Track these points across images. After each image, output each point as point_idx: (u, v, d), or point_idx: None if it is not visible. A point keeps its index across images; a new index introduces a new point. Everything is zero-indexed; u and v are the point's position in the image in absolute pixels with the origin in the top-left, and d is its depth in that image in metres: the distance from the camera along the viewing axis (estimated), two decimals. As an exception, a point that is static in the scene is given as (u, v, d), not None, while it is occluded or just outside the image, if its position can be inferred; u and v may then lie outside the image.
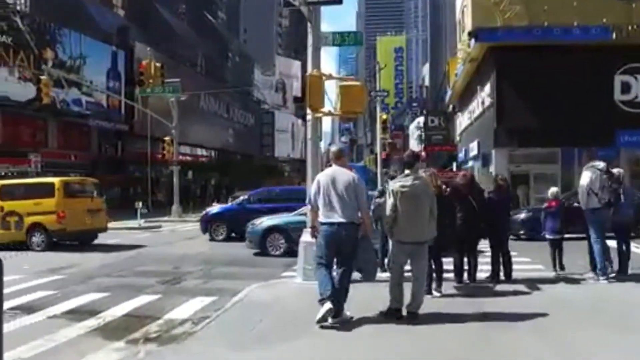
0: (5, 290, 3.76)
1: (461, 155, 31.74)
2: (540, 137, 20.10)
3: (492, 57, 20.99)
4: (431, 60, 75.69)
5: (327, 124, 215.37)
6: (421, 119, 55.80)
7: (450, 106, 37.63)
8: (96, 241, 15.96)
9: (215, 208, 16.34)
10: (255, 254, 12.76)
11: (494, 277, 8.32)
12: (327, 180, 5.84)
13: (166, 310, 7.14)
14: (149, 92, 19.48)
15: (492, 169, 22.15)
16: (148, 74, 16.83)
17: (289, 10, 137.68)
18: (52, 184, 14.97)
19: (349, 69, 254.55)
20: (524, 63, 19.82)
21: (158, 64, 17.05)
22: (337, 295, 5.63)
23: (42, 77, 17.91)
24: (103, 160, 37.89)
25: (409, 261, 6.13)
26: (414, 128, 58.69)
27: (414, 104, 77.04)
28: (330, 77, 7.59)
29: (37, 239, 14.60)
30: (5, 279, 3.48)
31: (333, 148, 6.22)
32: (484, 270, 8.48)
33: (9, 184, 16.26)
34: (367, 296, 6.57)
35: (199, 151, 53.83)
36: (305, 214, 11.16)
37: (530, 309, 6.37)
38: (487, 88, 21.94)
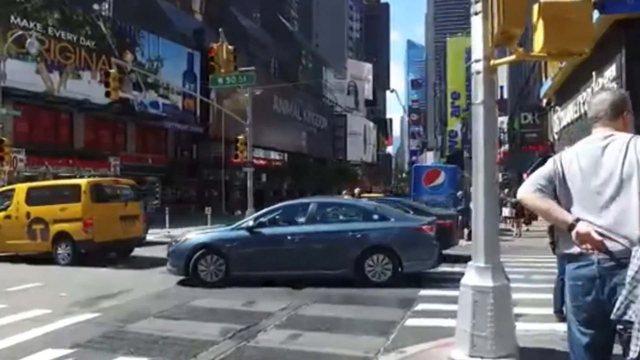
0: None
1: (561, 155, 28.52)
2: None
3: (620, 32, 17.87)
4: (512, 52, 71.35)
5: (396, 126, 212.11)
6: (504, 119, 52.35)
7: (544, 101, 34.28)
8: (144, 253, 13.82)
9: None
10: (183, 282, 9.27)
11: None
12: (588, 160, 2.60)
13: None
14: (221, 84, 17.94)
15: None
16: (219, 58, 15.11)
17: (359, 13, 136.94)
18: (78, 186, 12.75)
19: (418, 73, 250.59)
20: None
21: (231, 47, 15.32)
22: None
23: (111, 71, 16.88)
24: (179, 164, 37.65)
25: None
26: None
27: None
28: None
29: (62, 250, 12.31)
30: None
31: (603, 95, 2.82)
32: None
33: (36, 186, 14.09)
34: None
35: (272, 155, 53.15)
36: (258, 225, 9.25)
37: None
38: (610, 72, 18.88)
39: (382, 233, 9.07)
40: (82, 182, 13.17)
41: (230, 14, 50.42)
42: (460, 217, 16.64)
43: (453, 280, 8.95)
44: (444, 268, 9.95)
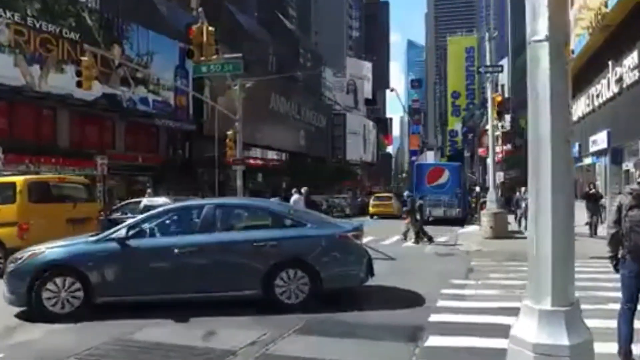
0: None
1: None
2: None
3: (641, 16, 16.42)
4: (513, 54, 69.93)
5: (396, 126, 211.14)
6: (507, 117, 51.03)
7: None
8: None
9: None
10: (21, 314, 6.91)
11: None
12: None
13: None
14: (205, 72, 16.26)
15: (629, 166, 17.65)
16: (198, 41, 13.37)
17: (359, 12, 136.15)
18: (12, 185, 10.76)
19: (418, 72, 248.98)
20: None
21: (212, 29, 13.54)
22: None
23: (83, 59, 15.30)
24: (171, 163, 36.17)
25: None
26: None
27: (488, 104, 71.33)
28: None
29: None
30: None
31: None
32: None
33: None
34: None
35: (269, 154, 51.73)
36: (135, 235, 7.08)
37: None
38: (629, 60, 17.43)
39: (296, 243, 7.26)
40: (19, 179, 11.21)
41: (226, 11, 49.01)
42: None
43: (457, 298, 7.64)
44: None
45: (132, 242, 7.06)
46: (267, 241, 7.12)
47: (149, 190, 18.89)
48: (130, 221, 7.64)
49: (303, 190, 18.72)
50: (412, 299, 7.48)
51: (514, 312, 6.53)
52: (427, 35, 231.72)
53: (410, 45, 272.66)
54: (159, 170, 34.64)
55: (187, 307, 6.82)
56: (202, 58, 13.63)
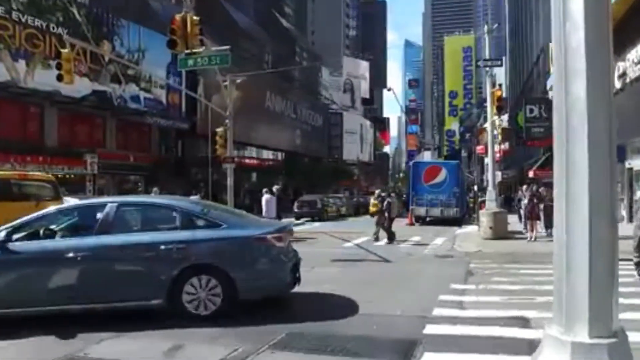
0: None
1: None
2: None
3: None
4: (512, 52, 69.37)
5: (394, 126, 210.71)
6: (504, 117, 50.55)
7: (551, 93, 32.15)
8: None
9: None
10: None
11: None
12: None
13: None
14: (191, 65, 15.45)
15: (632, 164, 17.05)
16: (181, 31, 12.43)
17: (356, 11, 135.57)
18: None
19: (415, 72, 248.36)
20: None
21: (196, 18, 12.67)
22: None
23: (63, 51, 14.57)
24: (164, 162, 35.46)
25: None
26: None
27: (486, 104, 70.84)
28: None
29: None
30: None
31: None
32: None
33: None
34: None
35: (264, 154, 51.02)
36: (24, 237, 6.22)
37: None
38: (633, 54, 16.79)
39: (207, 246, 6.41)
40: None
41: (221, 8, 48.31)
42: None
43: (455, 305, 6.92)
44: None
45: (14, 246, 6.12)
46: (174, 244, 6.28)
47: (155, 189, 17.97)
48: (14, 222, 6.54)
49: (275, 189, 18.17)
50: (406, 307, 6.80)
51: (519, 323, 5.90)
52: (424, 35, 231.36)
53: (408, 45, 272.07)
54: (151, 169, 33.95)
55: (146, 317, 6.11)
56: (187, 51, 12.88)
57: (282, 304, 6.87)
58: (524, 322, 5.92)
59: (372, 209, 17.45)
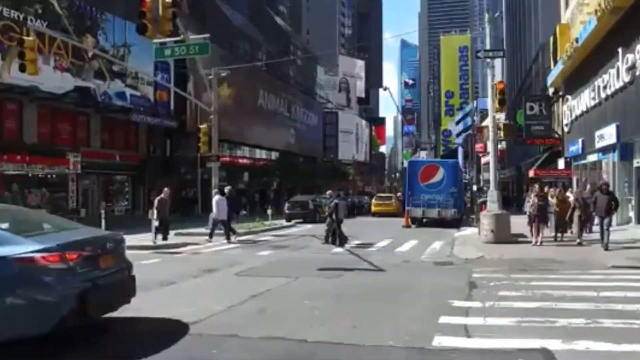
0: None
1: (573, 148, 25.21)
2: None
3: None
4: (509, 50, 68.29)
5: (390, 126, 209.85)
6: (502, 116, 49.52)
7: (551, 90, 31.05)
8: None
9: None
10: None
11: None
12: None
13: None
14: (168, 55, 14.20)
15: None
16: (152, 15, 11.08)
17: (351, 10, 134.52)
18: None
19: (411, 72, 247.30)
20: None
21: (169, 0, 11.31)
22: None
23: (27, 38, 13.30)
24: (151, 161, 34.21)
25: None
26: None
27: (477, 100, 70.23)
28: None
29: None
30: None
31: None
32: None
33: None
34: None
35: (257, 153, 49.81)
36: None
37: None
38: (641, 47, 15.65)
39: None
40: None
41: (215, 7, 47.05)
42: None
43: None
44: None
45: None
46: None
47: (165, 189, 16.80)
48: None
49: (226, 190, 17.15)
50: (399, 334, 5.60)
51: (541, 356, 4.73)
52: (420, 35, 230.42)
53: (404, 45, 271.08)
54: (138, 169, 32.74)
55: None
56: (159, 36, 11.63)
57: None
58: (547, 356, 4.75)
59: (373, 208, 16.50)
